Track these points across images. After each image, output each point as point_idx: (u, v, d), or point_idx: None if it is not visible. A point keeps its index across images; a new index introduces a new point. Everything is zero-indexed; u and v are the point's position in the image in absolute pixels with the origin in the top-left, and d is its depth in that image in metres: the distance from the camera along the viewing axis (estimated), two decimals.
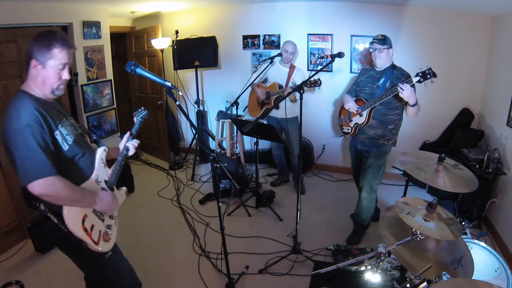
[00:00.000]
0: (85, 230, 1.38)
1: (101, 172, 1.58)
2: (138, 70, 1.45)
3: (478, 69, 3.36)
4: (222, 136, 4.35)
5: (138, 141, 1.82)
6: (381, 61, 2.45)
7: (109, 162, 1.69)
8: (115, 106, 4.10)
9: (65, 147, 1.40)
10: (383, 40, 2.40)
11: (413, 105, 2.28)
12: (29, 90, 1.37)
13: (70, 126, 1.49)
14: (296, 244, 2.61)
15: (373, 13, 3.55)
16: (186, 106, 4.47)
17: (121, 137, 1.81)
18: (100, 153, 1.60)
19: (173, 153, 4.69)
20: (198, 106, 4.23)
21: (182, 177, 4.15)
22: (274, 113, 3.45)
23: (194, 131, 4.42)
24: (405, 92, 2.19)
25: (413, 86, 2.26)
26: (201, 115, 4.31)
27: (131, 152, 1.79)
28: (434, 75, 2.18)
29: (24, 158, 1.25)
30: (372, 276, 1.43)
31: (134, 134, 1.79)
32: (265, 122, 3.58)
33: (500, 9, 2.90)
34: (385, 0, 3.39)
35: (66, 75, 1.39)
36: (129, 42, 4.71)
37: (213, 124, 4.65)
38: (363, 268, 1.44)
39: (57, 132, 1.37)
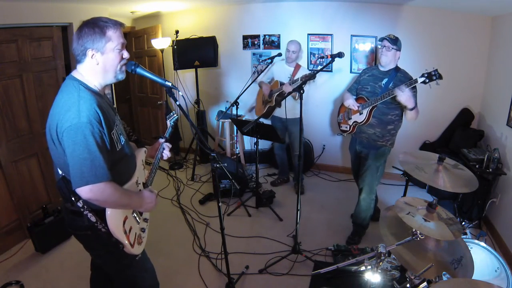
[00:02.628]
0: (125, 232, 1.35)
1: (140, 173, 1.56)
2: (138, 70, 1.43)
3: (478, 69, 3.36)
4: (222, 136, 4.35)
5: (170, 145, 1.81)
6: (387, 59, 2.41)
7: None
8: (115, 106, 4.08)
9: (118, 147, 1.34)
10: (395, 41, 2.38)
11: (412, 109, 2.29)
12: (84, 81, 1.28)
13: (121, 124, 1.42)
14: (296, 244, 2.61)
15: (373, 13, 3.54)
16: (186, 106, 4.46)
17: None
18: (141, 154, 1.58)
19: (173, 153, 4.69)
20: (198, 106, 4.23)
21: (182, 177, 4.15)
22: (278, 113, 3.45)
23: (194, 131, 4.43)
24: (403, 95, 2.21)
25: (414, 88, 2.26)
26: (201, 115, 4.31)
27: (165, 155, 1.79)
28: (440, 77, 2.18)
29: (82, 159, 1.16)
30: (372, 276, 1.43)
31: (167, 138, 1.78)
32: (269, 121, 3.58)
33: (500, 9, 2.90)
34: (385, 0, 3.39)
35: (126, 54, 1.34)
36: (129, 42, 4.71)
37: (212, 125, 4.65)
38: (363, 268, 1.44)
39: (113, 131, 1.30)
